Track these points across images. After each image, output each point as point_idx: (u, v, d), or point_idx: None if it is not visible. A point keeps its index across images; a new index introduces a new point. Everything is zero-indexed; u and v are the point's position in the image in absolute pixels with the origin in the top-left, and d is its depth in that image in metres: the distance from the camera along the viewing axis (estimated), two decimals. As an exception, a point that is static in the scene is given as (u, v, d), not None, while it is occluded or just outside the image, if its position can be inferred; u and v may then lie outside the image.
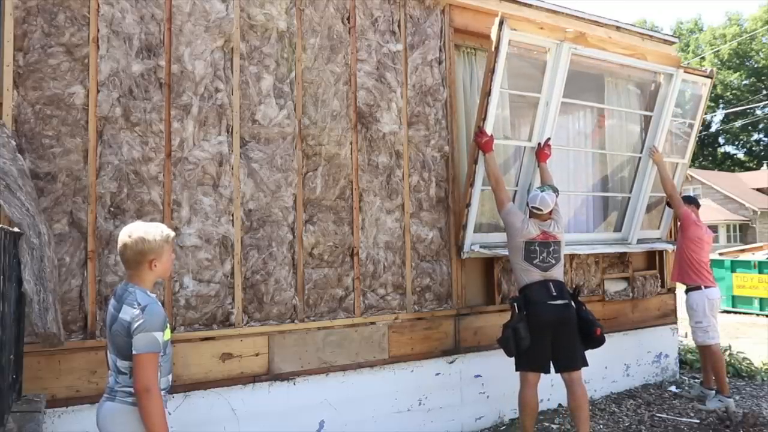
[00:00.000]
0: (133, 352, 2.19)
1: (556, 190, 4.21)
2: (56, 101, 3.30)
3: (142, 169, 3.51)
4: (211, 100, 3.73)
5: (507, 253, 4.66)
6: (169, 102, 3.60)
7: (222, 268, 3.71)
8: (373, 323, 4.23)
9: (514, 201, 4.68)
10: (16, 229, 2.87)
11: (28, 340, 3.05)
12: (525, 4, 5.11)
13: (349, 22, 4.27)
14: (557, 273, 4.09)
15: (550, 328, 3.91)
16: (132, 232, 2.32)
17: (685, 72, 5.43)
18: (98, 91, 3.40)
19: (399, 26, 4.50)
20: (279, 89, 3.96)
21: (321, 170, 4.10)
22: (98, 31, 3.41)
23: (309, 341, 3.97)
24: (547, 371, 3.98)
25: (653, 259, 6.02)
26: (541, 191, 4.12)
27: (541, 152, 4.71)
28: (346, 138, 4.22)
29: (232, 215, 3.76)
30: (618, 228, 5.69)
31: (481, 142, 4.37)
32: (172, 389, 3.47)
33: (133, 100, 3.50)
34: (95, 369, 3.29)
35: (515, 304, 3.97)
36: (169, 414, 3.45)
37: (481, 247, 4.63)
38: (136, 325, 2.20)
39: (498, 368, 4.55)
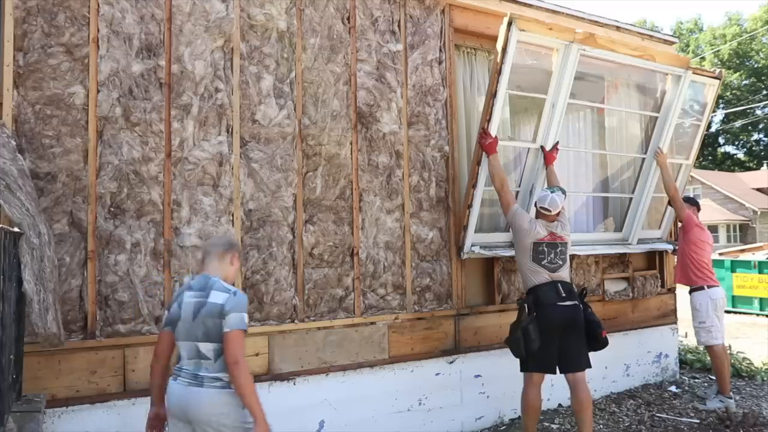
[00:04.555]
0: (226, 330, 2.49)
1: (564, 192, 4.21)
2: (56, 101, 3.30)
3: (142, 169, 3.50)
4: (211, 100, 3.73)
5: (506, 253, 4.67)
6: (169, 102, 3.60)
7: (222, 268, 3.70)
8: (373, 323, 4.23)
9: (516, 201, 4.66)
10: (16, 229, 2.87)
11: (28, 340, 3.05)
12: (525, 4, 5.10)
13: (349, 22, 4.27)
14: (564, 274, 4.09)
15: (559, 329, 3.90)
16: (221, 235, 2.89)
17: (693, 73, 5.39)
18: (98, 91, 3.40)
19: (399, 26, 4.50)
20: (279, 89, 3.96)
21: (321, 170, 4.10)
22: (98, 31, 3.41)
23: (309, 341, 3.97)
24: (554, 372, 3.97)
25: (653, 259, 6.01)
26: (551, 192, 4.10)
27: (549, 155, 4.70)
28: (346, 138, 4.22)
29: (232, 215, 3.76)
30: (619, 228, 5.68)
31: (485, 144, 4.35)
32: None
33: (133, 100, 3.50)
34: (95, 369, 3.29)
35: (525, 305, 3.95)
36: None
37: (481, 247, 4.62)
38: (230, 306, 2.52)
39: (498, 368, 4.56)
